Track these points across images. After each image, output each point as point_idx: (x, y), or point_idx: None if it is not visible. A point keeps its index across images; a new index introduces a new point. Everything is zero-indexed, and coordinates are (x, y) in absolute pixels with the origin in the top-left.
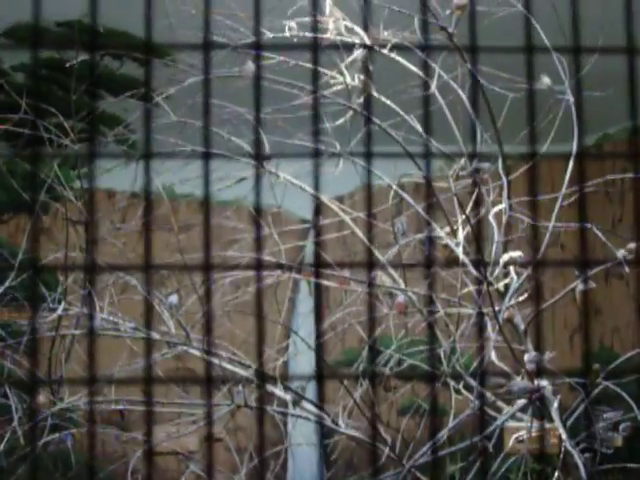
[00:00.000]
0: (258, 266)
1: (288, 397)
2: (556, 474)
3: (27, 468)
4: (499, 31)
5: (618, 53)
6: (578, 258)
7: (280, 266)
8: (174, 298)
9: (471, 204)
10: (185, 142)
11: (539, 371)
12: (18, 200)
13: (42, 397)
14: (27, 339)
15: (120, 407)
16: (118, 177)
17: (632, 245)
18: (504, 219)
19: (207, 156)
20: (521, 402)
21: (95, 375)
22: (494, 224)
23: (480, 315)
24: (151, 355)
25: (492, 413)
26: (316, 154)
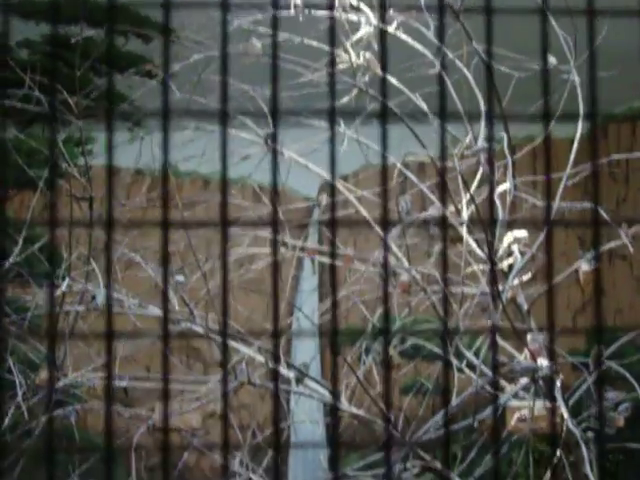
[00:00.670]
0: (274, 223)
1: (291, 375)
2: (558, 453)
3: (34, 443)
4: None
5: (631, 15)
6: (590, 218)
7: (285, 244)
8: (180, 277)
9: (475, 183)
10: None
11: (542, 351)
12: (23, 177)
13: (45, 373)
14: (31, 315)
15: (124, 383)
16: (122, 154)
17: (635, 229)
18: (508, 199)
19: (225, 115)
20: (524, 381)
21: (113, 331)
22: (499, 204)
23: (484, 295)
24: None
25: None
26: (332, 113)
